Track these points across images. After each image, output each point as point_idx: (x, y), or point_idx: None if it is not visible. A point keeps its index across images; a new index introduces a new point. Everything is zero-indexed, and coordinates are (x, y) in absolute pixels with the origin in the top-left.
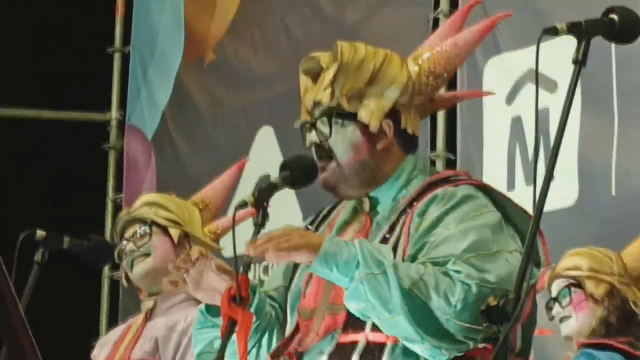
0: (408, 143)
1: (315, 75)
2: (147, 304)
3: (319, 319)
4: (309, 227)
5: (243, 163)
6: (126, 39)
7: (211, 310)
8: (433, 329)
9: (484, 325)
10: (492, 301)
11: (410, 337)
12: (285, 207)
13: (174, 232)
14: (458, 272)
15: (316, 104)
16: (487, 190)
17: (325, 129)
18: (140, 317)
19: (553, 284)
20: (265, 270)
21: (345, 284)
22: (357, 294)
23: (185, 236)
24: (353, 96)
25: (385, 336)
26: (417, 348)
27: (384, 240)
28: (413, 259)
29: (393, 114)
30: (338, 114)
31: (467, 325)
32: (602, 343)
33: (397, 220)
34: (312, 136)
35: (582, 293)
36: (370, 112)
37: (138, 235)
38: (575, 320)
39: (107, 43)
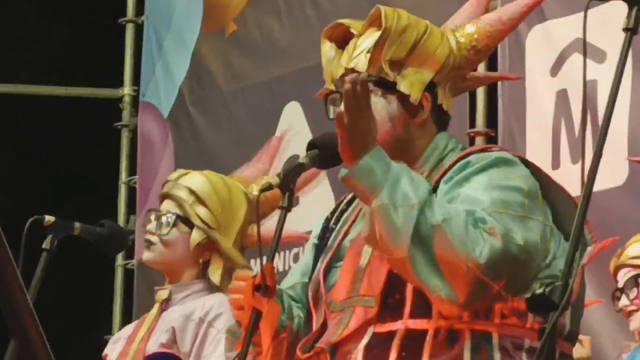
0: (442, 120)
1: (341, 42)
2: (162, 294)
3: (349, 311)
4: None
5: (283, 137)
6: (139, 9)
7: None
8: (454, 272)
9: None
10: (537, 289)
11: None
12: (317, 192)
13: (195, 237)
14: (484, 221)
15: (348, 71)
16: (526, 161)
17: None
18: (154, 309)
19: (619, 272)
20: (296, 258)
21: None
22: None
23: (210, 241)
24: (393, 65)
25: (426, 322)
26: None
27: None
28: None
29: (430, 87)
30: (376, 82)
31: (486, 279)
32: None
33: None
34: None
35: None
36: (411, 83)
37: (164, 220)
38: None
39: (119, 14)
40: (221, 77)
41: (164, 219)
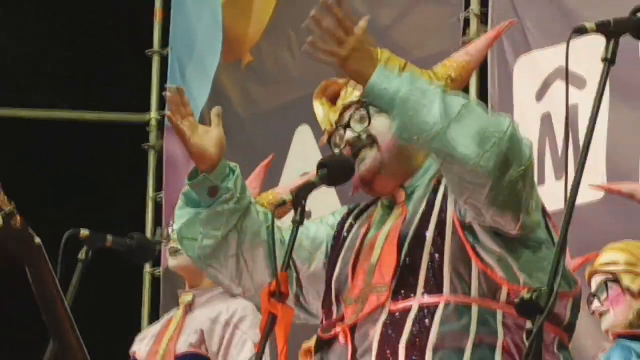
0: None
1: (334, 97)
2: (186, 298)
3: (362, 300)
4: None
5: (269, 162)
6: (164, 42)
7: (190, 200)
8: (486, 140)
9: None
10: (525, 295)
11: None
12: (328, 207)
13: None
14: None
15: (346, 108)
16: None
17: (362, 122)
18: (180, 311)
19: (592, 279)
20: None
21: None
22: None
23: None
24: None
25: (437, 297)
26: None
27: (424, 217)
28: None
29: None
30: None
31: (509, 156)
32: (637, 334)
33: (433, 194)
34: (348, 134)
35: (619, 288)
36: None
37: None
38: (612, 315)
39: (146, 46)
40: (238, 103)
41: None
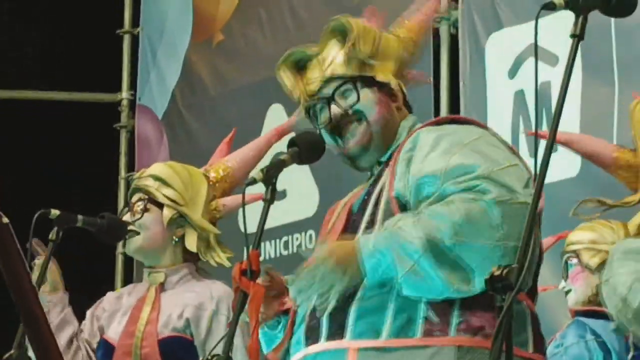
0: (408, 106)
1: (300, 66)
2: (158, 277)
3: None
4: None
5: (281, 130)
6: (135, 21)
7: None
8: (489, 267)
9: None
10: (495, 271)
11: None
12: (302, 186)
13: (166, 214)
14: (487, 192)
15: (327, 80)
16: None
17: (348, 98)
18: (152, 290)
19: (562, 259)
20: (286, 245)
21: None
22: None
23: (181, 216)
24: (366, 61)
25: None
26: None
27: (368, 195)
28: (419, 189)
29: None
30: (358, 79)
31: (518, 243)
32: (593, 310)
33: (383, 169)
34: (333, 109)
35: (579, 265)
36: (384, 73)
37: (135, 208)
38: (573, 292)
39: (116, 25)
40: (210, 82)
41: (135, 207)
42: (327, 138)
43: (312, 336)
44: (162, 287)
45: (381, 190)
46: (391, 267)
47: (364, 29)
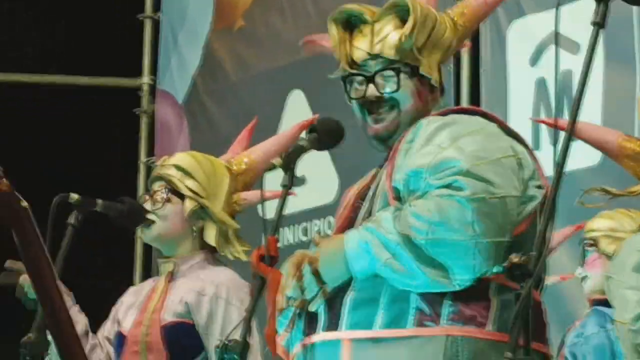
0: (442, 90)
1: (349, 26)
2: (167, 266)
3: None
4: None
5: (307, 123)
6: (156, 6)
7: None
8: (464, 264)
9: (507, 237)
10: (514, 258)
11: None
12: (322, 172)
13: (188, 206)
14: (463, 188)
15: (372, 56)
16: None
17: (388, 83)
18: (162, 280)
19: (581, 247)
20: (305, 231)
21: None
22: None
23: (202, 208)
24: (416, 51)
25: None
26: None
27: (371, 182)
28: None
29: (438, 65)
30: (402, 66)
31: (494, 239)
32: None
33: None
34: (370, 90)
35: (596, 252)
36: (429, 66)
37: (158, 197)
38: (590, 278)
39: (137, 10)
40: (231, 68)
41: (157, 196)
42: (357, 110)
43: (311, 326)
44: (172, 276)
45: (381, 180)
46: (373, 260)
47: (425, 17)
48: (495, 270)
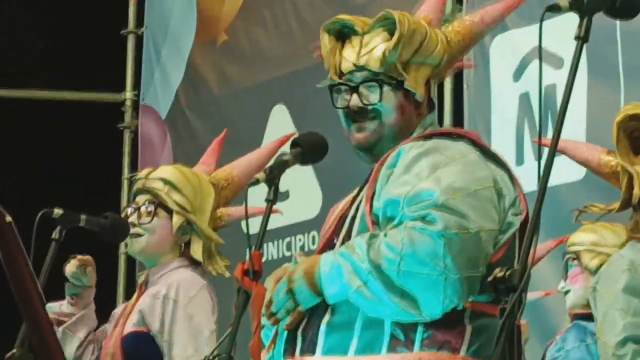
0: (431, 106)
1: (340, 36)
2: (140, 278)
3: None
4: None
5: (286, 138)
6: (139, 22)
7: None
8: (433, 298)
9: (480, 270)
10: (498, 273)
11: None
12: (306, 187)
13: (176, 221)
14: (435, 222)
15: (358, 67)
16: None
17: (372, 94)
18: (136, 293)
19: (563, 260)
20: (289, 246)
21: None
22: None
23: (188, 223)
24: (402, 64)
25: None
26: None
27: (353, 202)
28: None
29: (427, 81)
30: (386, 79)
31: (465, 274)
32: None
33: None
34: (354, 100)
35: (579, 266)
36: (416, 81)
37: (143, 210)
38: (572, 293)
39: (121, 26)
40: (214, 83)
41: (142, 209)
42: (342, 119)
43: (289, 349)
44: (145, 287)
45: (360, 203)
46: (345, 287)
47: (412, 31)
48: (482, 300)
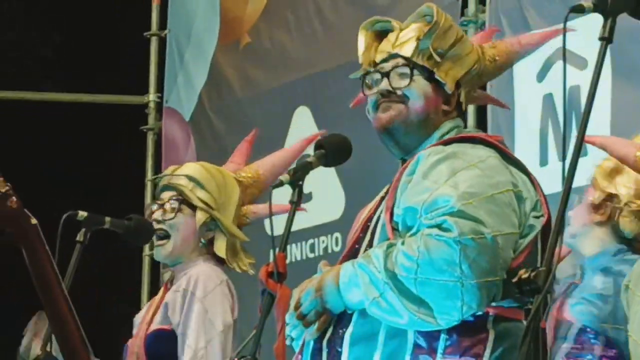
0: (459, 113)
1: (378, 34)
2: (165, 276)
3: None
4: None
5: (313, 138)
6: (162, 24)
7: None
8: (451, 304)
9: (498, 275)
10: (523, 274)
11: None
12: (329, 188)
13: (200, 217)
14: (451, 229)
15: (392, 55)
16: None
17: (402, 79)
18: (161, 290)
19: None
20: (312, 248)
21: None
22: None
23: (212, 220)
24: (434, 55)
25: None
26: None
27: (379, 203)
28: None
29: (457, 85)
30: (418, 68)
31: (482, 280)
32: None
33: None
34: (383, 83)
35: None
36: (446, 74)
37: (167, 207)
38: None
39: (144, 28)
40: (237, 85)
41: (167, 206)
42: (370, 106)
43: (319, 355)
44: (170, 285)
45: (382, 211)
46: (363, 298)
47: (448, 27)
48: (505, 305)
